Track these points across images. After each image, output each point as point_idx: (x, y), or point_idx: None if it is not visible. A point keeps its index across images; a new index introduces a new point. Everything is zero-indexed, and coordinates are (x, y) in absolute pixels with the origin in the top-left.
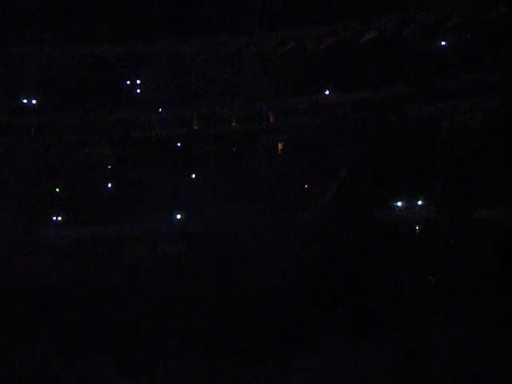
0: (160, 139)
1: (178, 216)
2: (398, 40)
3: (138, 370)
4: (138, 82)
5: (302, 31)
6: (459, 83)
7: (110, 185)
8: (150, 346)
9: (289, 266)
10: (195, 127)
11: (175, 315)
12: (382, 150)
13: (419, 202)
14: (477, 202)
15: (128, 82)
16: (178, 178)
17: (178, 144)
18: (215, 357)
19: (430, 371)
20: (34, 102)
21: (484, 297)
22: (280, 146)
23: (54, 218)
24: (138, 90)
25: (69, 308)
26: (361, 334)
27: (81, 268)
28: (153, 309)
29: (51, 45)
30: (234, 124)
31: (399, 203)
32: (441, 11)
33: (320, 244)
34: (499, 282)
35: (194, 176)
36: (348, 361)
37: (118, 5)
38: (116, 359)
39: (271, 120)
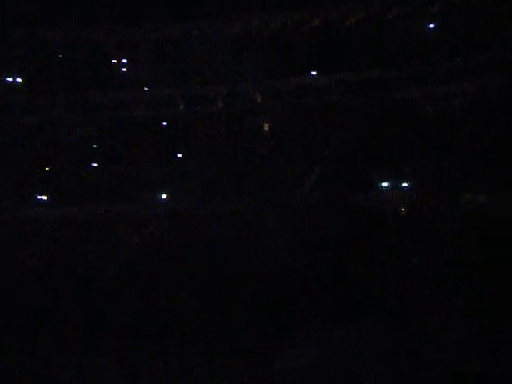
0: (146, 119)
1: (164, 196)
2: (384, 23)
3: (138, 370)
4: (125, 61)
5: (287, 13)
6: (447, 67)
7: (95, 164)
8: (150, 345)
9: (275, 247)
10: (181, 107)
11: (164, 298)
12: (367, 133)
13: (405, 184)
14: (462, 186)
15: (114, 61)
16: (163, 158)
17: (164, 124)
18: (215, 357)
19: (416, 360)
20: (19, 80)
21: (470, 282)
22: (266, 127)
23: (39, 197)
24: (125, 70)
25: (59, 295)
26: (350, 323)
27: (67, 250)
28: (145, 294)
29: (40, 25)
30: (220, 104)
31: (385, 184)
32: None
33: (307, 227)
34: (485, 266)
35: (179, 156)
36: (337, 351)
37: None
38: (117, 359)
39: (257, 101)
